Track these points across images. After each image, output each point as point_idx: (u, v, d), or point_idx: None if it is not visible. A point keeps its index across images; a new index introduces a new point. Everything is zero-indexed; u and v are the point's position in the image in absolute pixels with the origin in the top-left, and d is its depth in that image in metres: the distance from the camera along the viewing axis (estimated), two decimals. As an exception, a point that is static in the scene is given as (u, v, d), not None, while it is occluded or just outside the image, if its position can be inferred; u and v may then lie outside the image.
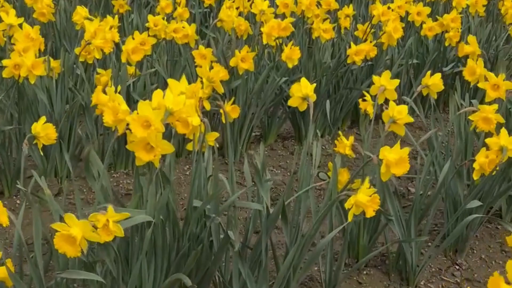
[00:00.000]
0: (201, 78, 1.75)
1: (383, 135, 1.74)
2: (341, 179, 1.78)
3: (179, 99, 1.43)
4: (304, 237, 1.63)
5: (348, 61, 2.59)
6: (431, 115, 2.73)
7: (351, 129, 3.15)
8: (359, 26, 2.93)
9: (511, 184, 2.01)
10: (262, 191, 1.61)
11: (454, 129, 2.15)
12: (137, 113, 1.35)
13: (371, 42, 2.67)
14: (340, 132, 1.89)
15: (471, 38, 2.32)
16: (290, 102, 1.80)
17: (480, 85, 1.92)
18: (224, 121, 2.27)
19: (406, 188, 2.56)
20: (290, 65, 2.45)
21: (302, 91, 1.78)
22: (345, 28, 3.00)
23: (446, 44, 3.03)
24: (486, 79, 1.88)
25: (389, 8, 2.83)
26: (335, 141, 1.86)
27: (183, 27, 2.45)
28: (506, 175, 2.02)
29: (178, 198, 2.40)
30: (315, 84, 1.81)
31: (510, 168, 2.00)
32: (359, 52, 2.57)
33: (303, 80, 1.78)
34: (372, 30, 2.88)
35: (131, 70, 2.49)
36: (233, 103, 2.53)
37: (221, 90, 1.83)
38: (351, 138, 1.84)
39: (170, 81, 1.67)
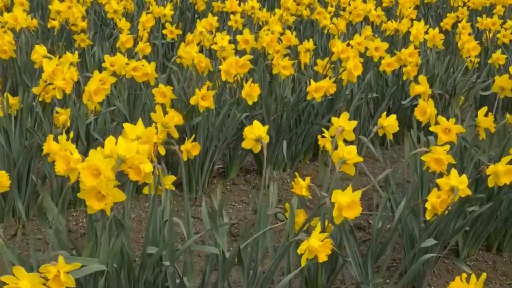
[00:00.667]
0: (156, 123, 1.76)
1: (335, 176, 1.76)
2: (297, 220, 1.79)
3: (131, 146, 1.43)
4: (261, 277, 1.64)
5: (308, 97, 2.62)
6: (388, 151, 2.78)
7: (313, 162, 3.18)
8: (319, 61, 2.98)
9: (466, 221, 2.04)
10: (218, 236, 1.61)
11: (411, 165, 2.19)
12: (88, 162, 1.35)
13: (330, 78, 2.71)
14: (296, 173, 1.90)
15: (422, 78, 2.37)
16: (244, 144, 1.82)
17: (431, 128, 1.96)
18: (185, 159, 2.28)
19: (367, 221, 2.59)
20: (250, 102, 2.47)
21: (255, 133, 1.80)
22: (305, 63, 3.04)
23: (404, 78, 3.09)
24: (438, 121, 1.93)
25: (348, 45, 2.88)
26: (292, 182, 1.88)
27: (143, 65, 2.46)
28: (461, 212, 2.06)
29: (138, 237, 2.39)
30: (267, 126, 1.83)
31: (465, 204, 2.04)
32: (319, 89, 2.60)
33: (256, 122, 1.80)
34: (332, 66, 2.93)
35: (92, 106, 2.48)
36: (195, 139, 2.55)
37: (175, 135, 1.83)
38: (307, 179, 1.86)
39: (126, 125, 1.68)
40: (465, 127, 2.11)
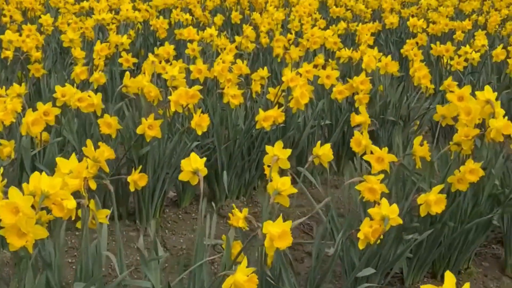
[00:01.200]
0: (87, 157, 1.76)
1: (266, 209, 1.77)
2: (233, 251, 1.79)
3: (55, 182, 1.43)
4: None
5: (257, 126, 2.64)
6: (328, 178, 2.81)
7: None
8: (271, 89, 3.00)
9: (406, 248, 2.06)
10: (148, 270, 1.61)
11: (352, 193, 2.20)
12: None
13: (281, 106, 2.74)
14: (234, 205, 1.91)
15: (362, 108, 2.40)
16: (181, 177, 1.82)
17: (365, 157, 1.98)
18: (132, 189, 2.28)
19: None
20: (199, 132, 2.48)
21: (192, 165, 1.80)
22: (256, 92, 3.07)
23: (356, 105, 3.12)
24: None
25: (298, 73, 2.91)
26: (229, 214, 1.88)
27: (89, 96, 2.45)
28: (401, 239, 2.08)
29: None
30: (205, 159, 1.83)
31: (403, 233, 2.06)
32: (267, 118, 2.62)
33: (193, 154, 1.81)
34: (283, 94, 2.95)
35: (36, 137, 2.47)
36: (144, 168, 2.55)
37: (106, 169, 1.83)
38: (245, 210, 1.86)
39: (58, 160, 1.67)
40: (403, 156, 2.14)
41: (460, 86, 2.78)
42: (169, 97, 2.46)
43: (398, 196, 2.19)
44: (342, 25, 4.85)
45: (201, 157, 2.84)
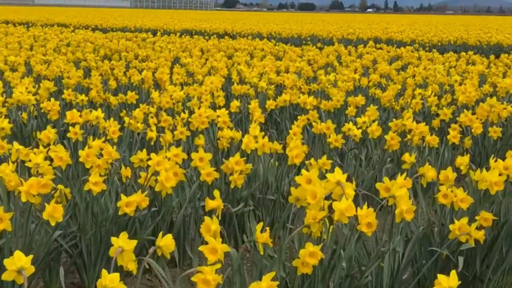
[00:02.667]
0: None
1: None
2: None
3: None
4: None
5: (120, 212, 2.60)
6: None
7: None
8: (142, 174, 2.98)
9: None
10: None
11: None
12: None
13: (145, 193, 2.71)
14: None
15: (216, 193, 2.41)
16: (4, 276, 1.75)
17: (200, 248, 1.97)
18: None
19: None
20: (53, 223, 2.41)
21: (16, 264, 1.74)
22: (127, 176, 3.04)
23: (232, 186, 3.14)
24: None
25: (167, 157, 2.92)
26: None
27: None
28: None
29: None
30: (31, 256, 1.78)
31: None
32: (130, 204, 2.60)
33: (17, 253, 1.75)
34: (154, 177, 2.94)
35: None
36: (1, 261, 2.44)
37: None
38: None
39: None
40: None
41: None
42: (19, 188, 2.40)
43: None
44: (235, 103, 4.93)
45: (68, 246, 2.79)
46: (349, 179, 3.42)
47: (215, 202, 2.36)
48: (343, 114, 5.49)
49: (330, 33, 20.96)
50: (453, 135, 4.02)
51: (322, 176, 2.53)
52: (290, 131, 3.70)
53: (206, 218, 2.10)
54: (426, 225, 2.77)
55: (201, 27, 23.01)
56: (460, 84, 6.57)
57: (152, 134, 3.41)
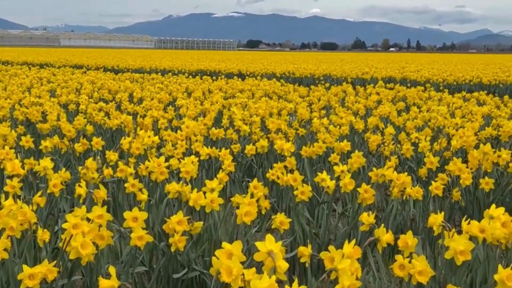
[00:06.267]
0: None
1: None
2: None
3: None
4: None
5: (21, 287, 2.24)
6: None
7: None
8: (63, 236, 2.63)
9: None
10: None
11: None
12: None
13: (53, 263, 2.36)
14: None
15: (112, 269, 2.05)
16: None
17: None
18: None
19: None
20: None
21: None
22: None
23: (172, 249, 2.76)
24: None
25: (88, 219, 2.57)
26: None
27: None
28: None
29: None
30: None
31: None
32: (34, 276, 2.24)
33: None
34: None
35: None
36: None
37: None
38: None
39: None
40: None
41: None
42: None
43: None
44: (205, 150, 4.59)
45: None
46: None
47: (110, 282, 1.98)
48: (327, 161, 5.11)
49: (344, 72, 20.66)
50: (436, 186, 3.60)
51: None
52: (250, 184, 3.32)
53: None
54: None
55: (216, 68, 22.83)
56: (463, 127, 6.15)
57: (80, 190, 3.04)
